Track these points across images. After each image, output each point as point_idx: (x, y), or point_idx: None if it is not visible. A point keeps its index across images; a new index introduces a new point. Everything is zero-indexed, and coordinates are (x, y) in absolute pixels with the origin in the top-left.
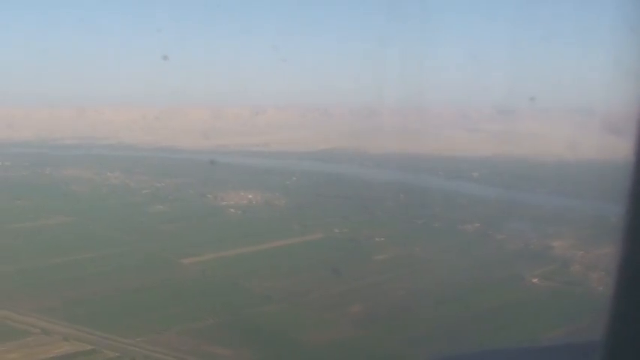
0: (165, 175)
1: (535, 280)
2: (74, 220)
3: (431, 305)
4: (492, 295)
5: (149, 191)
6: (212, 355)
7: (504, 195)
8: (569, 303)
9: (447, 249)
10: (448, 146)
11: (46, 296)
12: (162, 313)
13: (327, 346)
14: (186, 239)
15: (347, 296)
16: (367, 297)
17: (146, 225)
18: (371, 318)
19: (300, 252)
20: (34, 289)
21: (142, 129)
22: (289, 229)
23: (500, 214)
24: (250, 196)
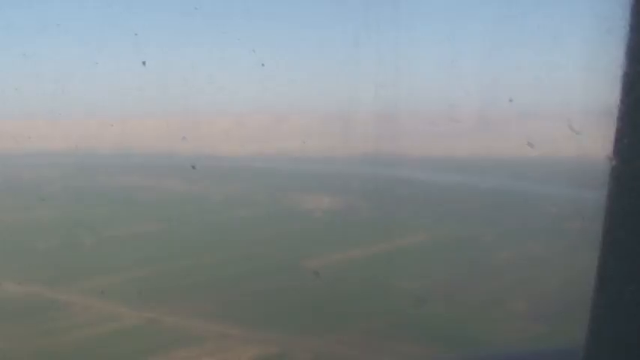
0: (224, 181)
1: None
2: (168, 226)
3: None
4: None
5: (221, 197)
6: (407, 353)
7: (581, 193)
8: None
9: (566, 246)
10: (483, 148)
11: (196, 299)
12: (324, 314)
13: (518, 342)
14: (293, 242)
15: (501, 294)
16: (522, 293)
17: (242, 230)
18: (544, 314)
19: (417, 252)
20: (180, 293)
21: (171, 137)
22: (390, 230)
23: (592, 212)
24: (326, 200)
